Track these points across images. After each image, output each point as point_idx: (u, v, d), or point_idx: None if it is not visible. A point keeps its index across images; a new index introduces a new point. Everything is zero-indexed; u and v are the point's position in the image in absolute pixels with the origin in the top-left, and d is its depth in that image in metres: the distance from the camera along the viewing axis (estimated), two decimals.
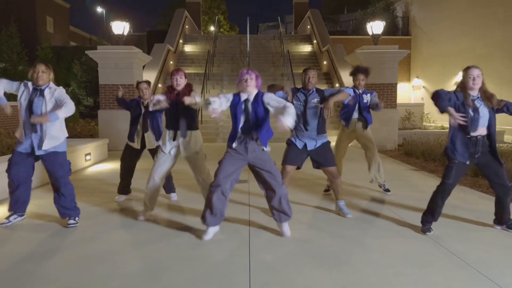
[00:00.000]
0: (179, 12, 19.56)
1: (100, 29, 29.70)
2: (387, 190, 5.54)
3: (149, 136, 5.05)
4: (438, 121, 15.59)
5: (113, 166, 7.86)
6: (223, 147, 7.59)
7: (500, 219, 4.02)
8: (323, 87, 11.54)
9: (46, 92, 3.93)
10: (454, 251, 3.44)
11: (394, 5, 22.17)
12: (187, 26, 20.19)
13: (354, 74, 5.29)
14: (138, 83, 5.09)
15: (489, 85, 3.88)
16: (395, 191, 5.59)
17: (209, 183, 4.18)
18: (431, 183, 6.24)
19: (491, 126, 3.75)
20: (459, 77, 3.77)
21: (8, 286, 2.83)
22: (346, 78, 13.67)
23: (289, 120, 3.40)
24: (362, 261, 3.26)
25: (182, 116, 4.12)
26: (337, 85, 14.60)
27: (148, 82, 5.11)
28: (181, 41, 18.43)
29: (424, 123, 14.49)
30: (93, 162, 8.20)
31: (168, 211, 4.69)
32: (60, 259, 3.30)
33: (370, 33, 11.21)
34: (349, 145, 5.69)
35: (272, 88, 4.32)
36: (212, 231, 3.78)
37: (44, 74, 3.95)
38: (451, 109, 3.63)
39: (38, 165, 4.27)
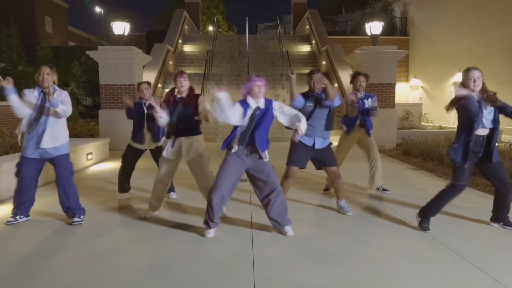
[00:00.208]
0: (178, 12, 19.62)
1: (99, 29, 29.77)
2: (385, 190, 5.62)
3: (149, 136, 5.13)
4: (436, 121, 15.71)
5: (114, 165, 7.92)
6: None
7: (497, 217, 4.10)
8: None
9: (54, 95, 4.02)
10: (452, 247, 3.52)
11: (392, 5, 22.27)
12: (186, 26, 20.25)
13: (354, 77, 5.35)
14: (139, 84, 5.17)
15: (487, 85, 3.93)
16: (394, 190, 5.67)
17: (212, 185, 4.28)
18: (429, 181, 6.33)
19: (495, 126, 3.81)
20: (457, 78, 3.86)
21: (17, 282, 2.89)
22: (345, 78, 13.76)
23: (304, 126, 3.63)
24: (363, 256, 3.34)
25: (184, 121, 4.16)
26: (335, 85, 14.68)
27: (148, 83, 5.18)
28: (180, 41, 18.48)
29: (422, 123, 14.59)
30: (95, 161, 8.26)
31: (169, 210, 4.76)
32: (67, 255, 3.37)
33: (369, 33, 11.30)
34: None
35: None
36: (214, 229, 3.87)
37: (49, 76, 4.05)
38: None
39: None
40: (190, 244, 3.63)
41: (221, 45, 19.38)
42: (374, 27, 11.16)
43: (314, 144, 4.42)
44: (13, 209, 4.22)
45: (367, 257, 3.32)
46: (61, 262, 3.24)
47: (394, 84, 11.03)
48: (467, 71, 3.78)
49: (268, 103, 3.75)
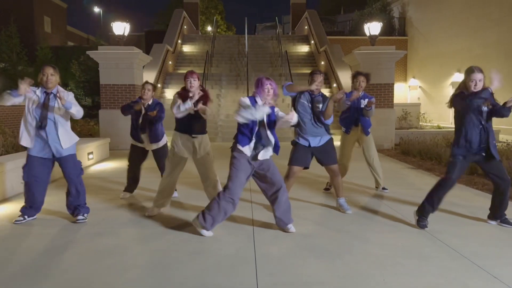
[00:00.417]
0: (178, 13, 19.67)
1: (98, 29, 29.76)
2: (384, 189, 5.68)
3: (145, 137, 5.19)
4: (434, 121, 15.80)
5: (115, 164, 7.98)
6: (222, 146, 7.68)
7: (495, 214, 4.17)
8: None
9: (60, 95, 4.07)
10: (450, 244, 3.59)
11: (390, 5, 22.37)
12: (185, 26, 20.29)
13: (354, 76, 5.41)
14: (145, 83, 5.20)
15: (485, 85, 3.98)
16: (393, 189, 5.75)
17: (216, 183, 4.35)
18: (427, 181, 6.40)
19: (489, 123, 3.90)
20: (455, 78, 3.91)
21: (25, 278, 2.95)
22: (344, 78, 13.84)
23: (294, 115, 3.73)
24: (363, 253, 3.41)
25: (194, 121, 4.28)
26: (334, 85, 14.76)
27: (153, 85, 5.21)
28: (179, 41, 18.54)
29: (420, 123, 14.68)
30: (96, 161, 8.31)
31: (172, 209, 4.81)
32: (72, 253, 3.42)
33: (368, 34, 11.38)
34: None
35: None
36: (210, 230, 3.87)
37: (53, 77, 4.08)
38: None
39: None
40: (192, 242, 3.69)
41: (220, 45, 19.43)
42: (373, 28, 11.24)
43: (309, 143, 4.51)
44: (21, 208, 4.25)
45: (366, 254, 3.39)
46: (67, 259, 3.29)
47: (393, 84, 11.11)
48: (470, 73, 3.80)
49: (271, 108, 3.83)
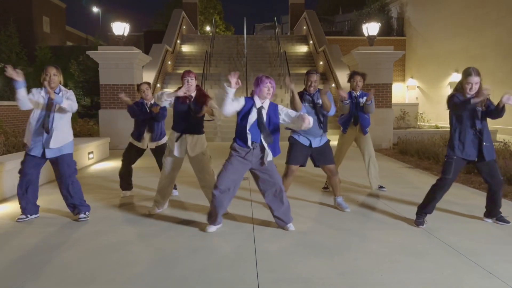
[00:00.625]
0: (177, 13, 19.71)
1: (97, 29, 29.77)
2: (382, 187, 5.74)
3: (148, 136, 5.25)
4: (432, 121, 15.88)
5: (115, 164, 8.02)
6: (221, 146, 7.75)
7: (490, 212, 4.24)
8: (319, 87, 11.72)
9: (60, 95, 4.12)
10: (446, 241, 3.65)
11: (389, 6, 22.44)
12: (184, 27, 20.34)
13: (351, 76, 5.46)
14: (139, 85, 5.27)
15: (483, 84, 3.99)
16: (391, 187, 5.81)
17: (213, 183, 4.40)
18: (425, 180, 6.47)
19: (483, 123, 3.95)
20: (453, 78, 3.96)
21: (30, 274, 3.00)
22: (342, 78, 13.88)
23: (309, 118, 3.67)
24: (360, 250, 3.46)
25: (191, 120, 4.31)
26: (333, 85, 14.81)
27: (148, 83, 5.29)
28: (178, 41, 18.58)
29: (418, 123, 14.76)
30: (96, 160, 8.36)
31: (172, 207, 4.86)
32: (75, 250, 3.47)
33: (366, 34, 11.44)
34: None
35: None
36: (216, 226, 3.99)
37: (55, 77, 4.14)
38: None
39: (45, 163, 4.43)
40: (194, 239, 3.74)
41: (219, 45, 19.48)
42: (371, 28, 11.30)
43: (310, 143, 4.55)
44: (21, 207, 4.30)
45: (365, 251, 3.45)
46: (70, 256, 3.34)
47: (391, 84, 11.18)
48: (467, 76, 3.81)
49: (274, 106, 3.85)
